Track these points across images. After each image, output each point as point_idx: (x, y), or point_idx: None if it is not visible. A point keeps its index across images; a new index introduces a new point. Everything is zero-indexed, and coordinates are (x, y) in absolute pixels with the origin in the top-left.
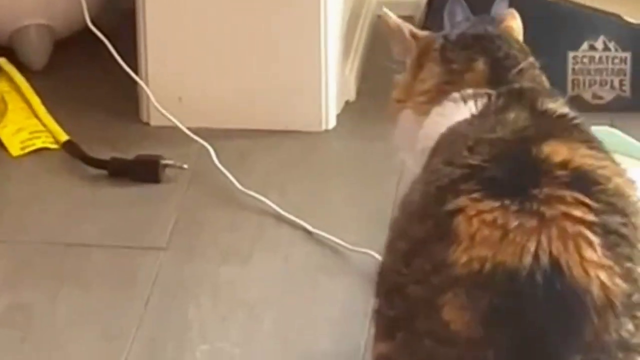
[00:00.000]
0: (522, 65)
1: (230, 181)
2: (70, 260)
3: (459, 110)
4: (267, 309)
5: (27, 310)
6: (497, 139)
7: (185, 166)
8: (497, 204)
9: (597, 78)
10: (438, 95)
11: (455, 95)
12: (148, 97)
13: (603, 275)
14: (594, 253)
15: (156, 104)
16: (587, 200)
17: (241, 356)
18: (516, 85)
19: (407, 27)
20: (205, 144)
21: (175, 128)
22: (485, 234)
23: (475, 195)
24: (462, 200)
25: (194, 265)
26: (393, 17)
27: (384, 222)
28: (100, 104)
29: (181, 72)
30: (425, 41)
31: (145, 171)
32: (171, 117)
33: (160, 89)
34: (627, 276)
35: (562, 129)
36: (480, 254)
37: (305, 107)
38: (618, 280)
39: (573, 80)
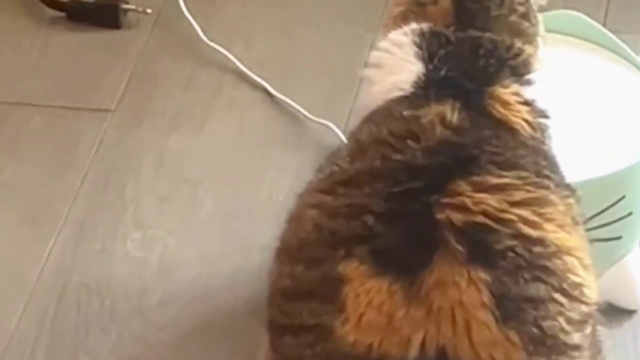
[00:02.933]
0: (494, 12)
1: (194, 30)
2: (9, 123)
3: (402, 59)
4: (211, 189)
5: None
6: (404, 166)
7: (149, 11)
8: (384, 284)
9: None
10: (400, 21)
11: (413, 26)
12: None
13: (498, 354)
14: (488, 331)
15: None
16: (482, 276)
17: (174, 248)
18: (476, 34)
19: None
20: None
21: None
22: (371, 318)
23: (364, 267)
24: (351, 268)
25: (141, 132)
26: None
27: (350, 88)
28: None
29: None
30: None
31: (106, 16)
32: None
33: None
34: (538, 340)
35: (495, 147)
36: (366, 339)
37: None
38: (520, 354)
39: None
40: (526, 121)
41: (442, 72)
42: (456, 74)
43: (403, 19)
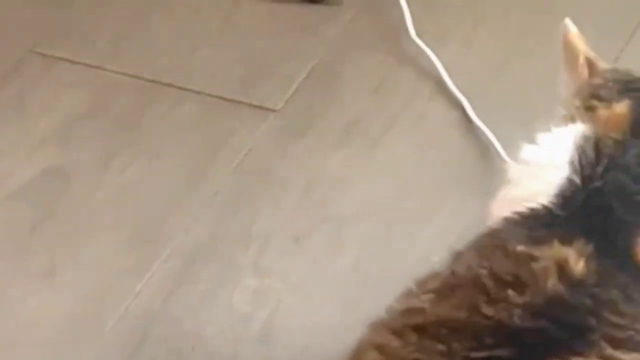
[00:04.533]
0: None
1: (403, 19)
2: (154, 107)
3: (552, 162)
4: (358, 233)
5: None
6: (493, 325)
7: None
8: None
9: None
10: (569, 119)
11: (579, 126)
12: None
13: None
14: None
15: None
16: None
17: (287, 308)
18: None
19: (584, 53)
20: None
21: None
22: None
23: None
24: None
25: (302, 142)
26: (573, 33)
27: None
28: None
29: None
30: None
31: None
32: None
33: None
34: None
35: (619, 316)
36: None
37: None
38: None
39: None
40: None
41: (594, 185)
42: (609, 195)
43: (571, 118)
